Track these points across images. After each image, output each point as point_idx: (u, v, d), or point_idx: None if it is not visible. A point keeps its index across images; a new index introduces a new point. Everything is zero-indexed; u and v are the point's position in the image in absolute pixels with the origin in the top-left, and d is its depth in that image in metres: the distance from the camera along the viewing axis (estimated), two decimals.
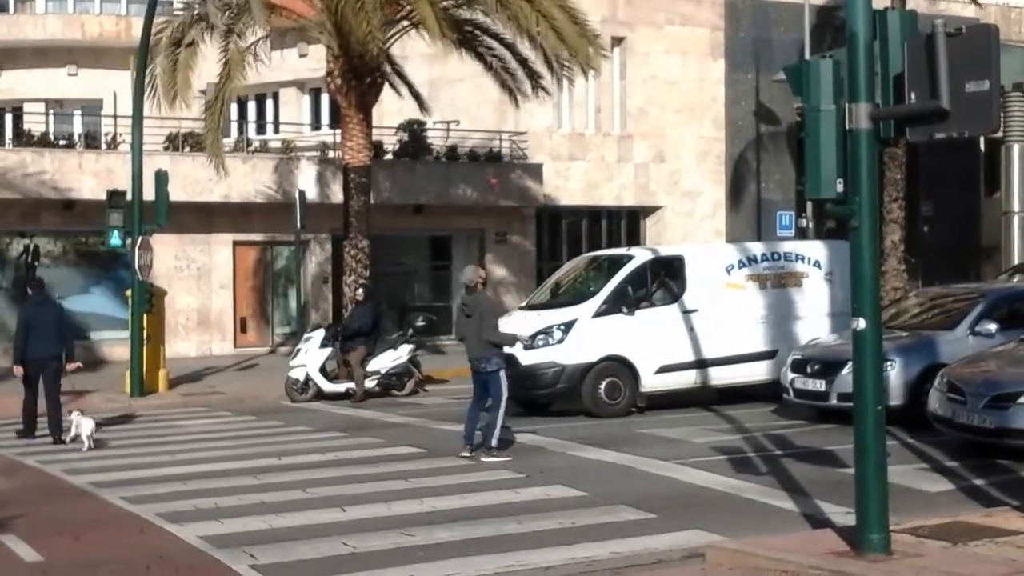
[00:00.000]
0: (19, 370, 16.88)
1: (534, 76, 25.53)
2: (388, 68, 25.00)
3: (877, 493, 8.78)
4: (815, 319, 19.23)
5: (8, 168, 27.27)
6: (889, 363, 14.79)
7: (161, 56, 23.63)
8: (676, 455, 14.06)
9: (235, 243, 30.17)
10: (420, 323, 23.62)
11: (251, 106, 37.23)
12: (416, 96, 27.58)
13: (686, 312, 18.53)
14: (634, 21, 33.98)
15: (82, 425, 16.04)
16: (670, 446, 14.91)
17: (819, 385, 16.20)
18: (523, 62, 25.40)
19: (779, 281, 19.40)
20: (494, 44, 25.46)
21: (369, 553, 9.80)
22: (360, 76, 23.88)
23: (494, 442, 14.32)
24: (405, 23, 23.78)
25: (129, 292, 22.45)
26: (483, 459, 14.13)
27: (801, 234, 30.83)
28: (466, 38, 25.20)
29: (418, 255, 32.51)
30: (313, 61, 31.53)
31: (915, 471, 12.65)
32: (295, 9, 24.87)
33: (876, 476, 8.81)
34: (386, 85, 25.17)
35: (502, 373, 14.48)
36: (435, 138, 31.54)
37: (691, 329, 18.48)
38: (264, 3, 23.16)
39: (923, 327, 17.02)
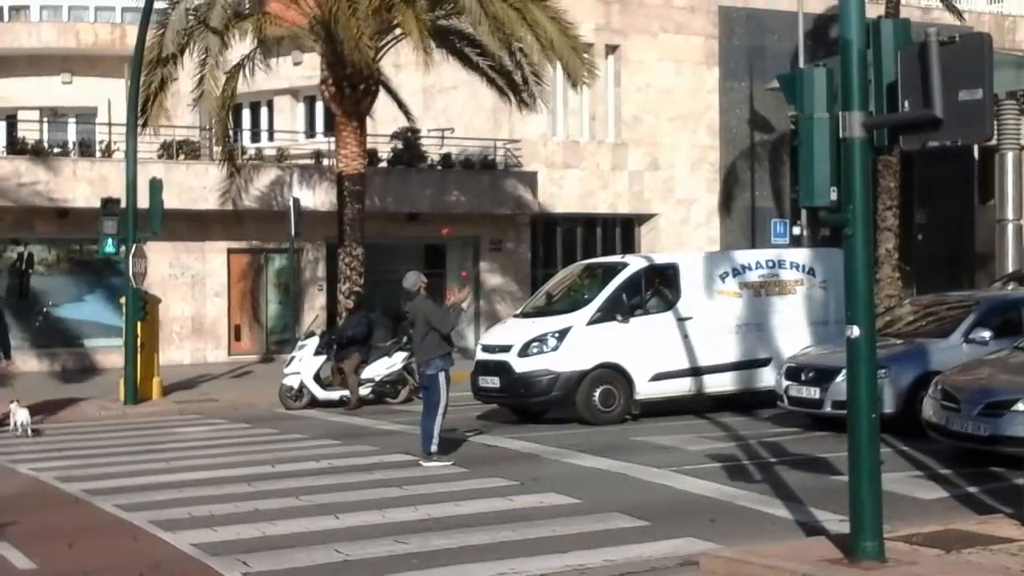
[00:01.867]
0: None
1: (518, 88, 25.66)
2: (378, 77, 25.07)
3: (871, 500, 8.78)
4: (809, 327, 19.26)
5: (2, 176, 27.24)
6: (883, 371, 14.79)
7: (142, 75, 23.68)
8: (670, 462, 14.06)
9: (229, 251, 30.15)
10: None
11: (245, 113, 37.23)
12: (403, 108, 27.70)
13: (680, 320, 18.54)
14: (628, 29, 34.03)
15: (18, 414, 17.27)
16: (664, 453, 14.91)
17: (813, 393, 16.21)
18: (506, 74, 25.50)
19: (773, 289, 19.43)
20: (486, 52, 25.53)
21: (363, 560, 9.79)
22: (354, 84, 23.90)
23: (434, 447, 14.33)
24: (398, 32, 23.82)
25: (123, 300, 22.42)
26: (423, 464, 14.16)
27: (795, 242, 30.85)
28: (455, 48, 25.30)
29: (412, 263, 32.37)
30: (307, 69, 31.54)
31: (909, 479, 12.66)
32: (288, 17, 24.89)
33: (870, 483, 8.81)
34: (380, 92, 25.20)
35: (442, 376, 14.48)
36: (429, 146, 31.56)
37: (685, 337, 18.49)
38: (253, 12, 23.29)
39: (917, 335, 17.04)
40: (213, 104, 23.71)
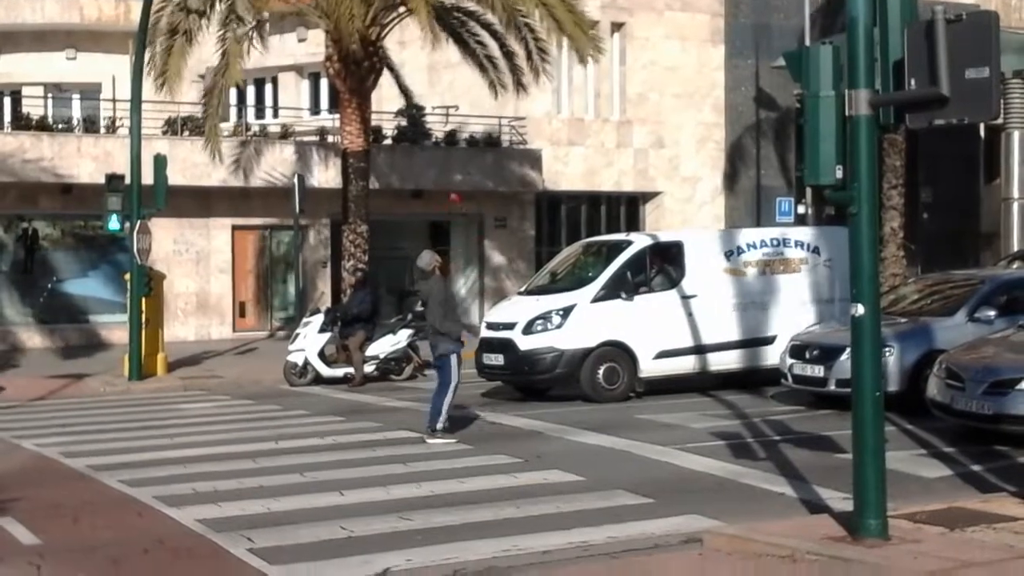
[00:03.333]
0: None
1: (516, 70, 25.64)
2: (383, 55, 25.01)
3: (875, 479, 8.79)
4: (814, 305, 19.26)
5: (7, 152, 27.24)
6: (888, 349, 14.79)
7: (157, 43, 23.58)
8: (674, 440, 14.07)
9: (234, 227, 30.17)
10: (419, 308, 23.57)
11: (250, 91, 37.14)
12: (403, 89, 27.65)
13: (685, 298, 18.53)
14: (634, 6, 33.92)
15: None
16: (668, 431, 14.93)
17: (818, 371, 16.21)
18: (508, 55, 25.44)
19: (778, 267, 19.40)
20: (482, 33, 25.50)
21: (367, 537, 9.81)
22: (358, 61, 23.85)
23: (439, 424, 14.41)
24: (402, 9, 23.75)
25: (128, 276, 22.44)
26: (427, 440, 14.21)
27: (800, 220, 30.79)
28: (454, 27, 25.25)
29: (417, 240, 32.41)
30: (312, 45, 31.46)
31: (913, 457, 12.66)
32: None
33: (874, 462, 8.82)
34: (386, 70, 25.14)
35: (454, 358, 14.55)
36: (434, 123, 31.50)
37: (690, 315, 18.49)
38: None
39: (922, 313, 17.02)
40: (232, 77, 23.49)
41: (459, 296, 32.56)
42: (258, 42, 25.03)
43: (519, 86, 25.95)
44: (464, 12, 25.30)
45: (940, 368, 13.86)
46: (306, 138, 30.81)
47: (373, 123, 25.94)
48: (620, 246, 19.13)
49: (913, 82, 8.48)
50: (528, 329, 18.02)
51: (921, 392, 14.39)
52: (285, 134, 30.46)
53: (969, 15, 8.43)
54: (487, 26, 25.42)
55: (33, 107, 31.57)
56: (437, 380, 14.83)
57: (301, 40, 33.26)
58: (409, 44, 28.69)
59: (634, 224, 33.90)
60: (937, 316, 16.60)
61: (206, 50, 24.67)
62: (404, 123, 30.92)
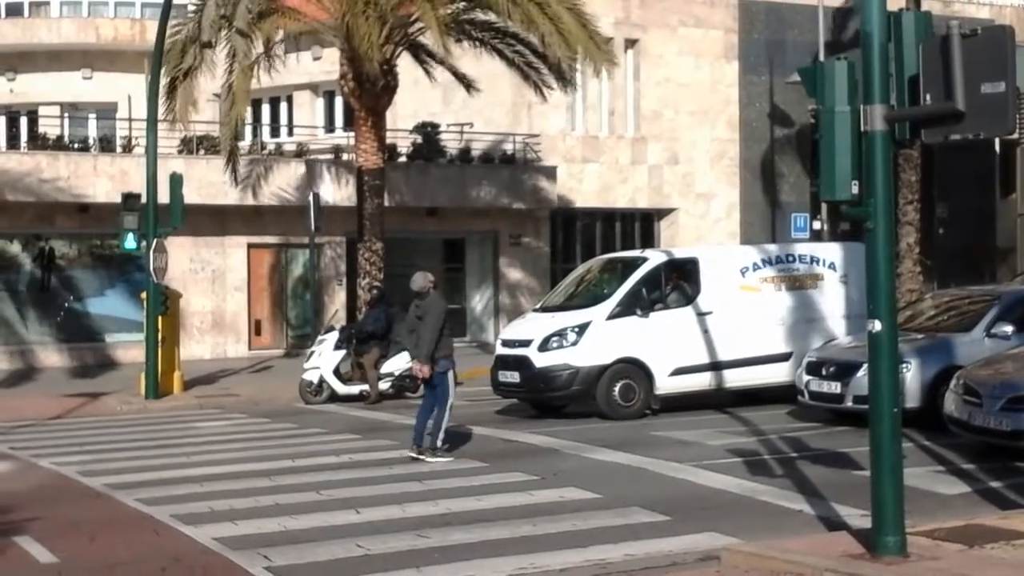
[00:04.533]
0: None
1: (541, 79, 25.71)
2: (418, 56, 25.06)
3: (893, 495, 8.75)
4: (830, 321, 19.21)
5: (24, 171, 27.35)
6: (905, 365, 14.75)
7: (164, 70, 23.72)
8: (691, 457, 14.04)
9: (249, 245, 30.23)
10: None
11: (265, 109, 37.32)
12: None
13: (700, 314, 18.51)
14: (648, 23, 33.97)
15: None
16: (684, 448, 14.89)
17: (834, 387, 16.16)
18: (543, 57, 25.43)
19: (794, 283, 19.37)
20: (513, 42, 25.55)
21: (383, 555, 9.81)
22: (373, 80, 23.92)
23: (438, 443, 14.39)
24: (420, 25, 23.83)
25: (144, 294, 22.49)
26: (427, 459, 14.19)
27: (816, 236, 30.77)
28: (478, 38, 25.31)
29: (432, 257, 32.47)
30: (327, 64, 31.59)
31: (931, 473, 12.61)
32: (308, 12, 24.93)
33: (892, 478, 8.78)
34: (400, 86, 25.17)
35: (450, 375, 14.57)
36: (449, 140, 31.56)
37: (705, 331, 18.45)
38: (269, 11, 23.29)
39: (939, 329, 16.97)
40: (239, 98, 23.67)
41: (474, 313, 32.65)
42: (272, 62, 25.15)
43: (541, 85, 25.92)
44: (480, 25, 25.30)
45: (957, 384, 13.81)
46: (321, 156, 30.91)
47: (388, 140, 25.99)
48: (635, 263, 19.12)
49: (928, 97, 8.47)
50: (544, 346, 18.01)
51: (938, 408, 14.35)
52: (300, 152, 30.55)
53: (984, 30, 8.43)
54: (514, 36, 25.38)
55: (50, 127, 31.74)
56: (428, 397, 14.77)
57: (316, 59, 33.44)
58: (426, 60, 28.72)
59: (649, 241, 33.89)
60: (954, 332, 16.54)
61: (221, 69, 24.77)
62: (419, 140, 30.98)
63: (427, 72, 27.10)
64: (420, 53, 26.31)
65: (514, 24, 23.36)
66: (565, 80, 25.55)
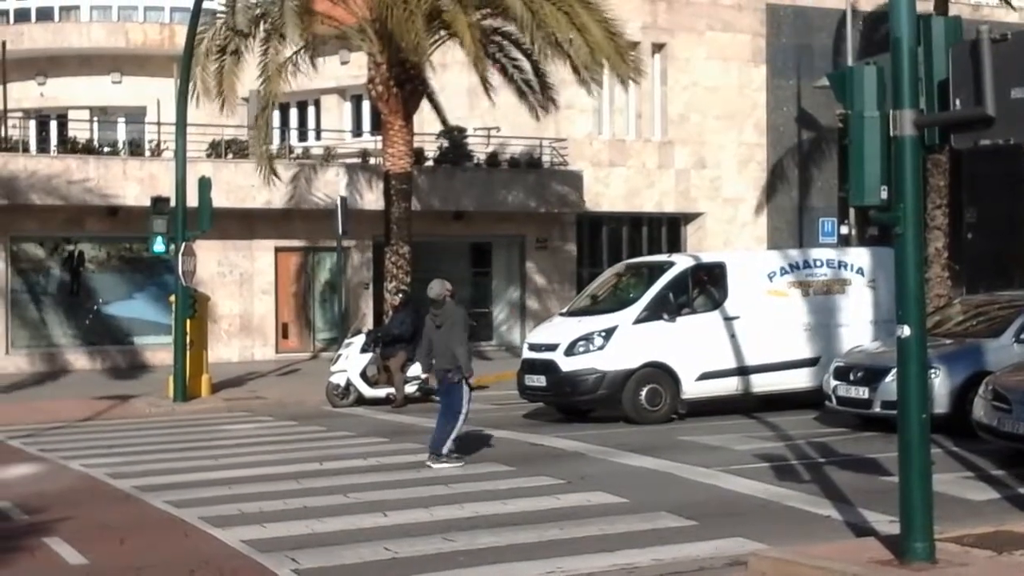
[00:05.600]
0: None
1: (547, 90, 25.81)
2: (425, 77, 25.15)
3: (921, 501, 8.72)
4: (858, 326, 19.13)
5: (53, 174, 27.55)
6: (933, 371, 14.69)
7: (205, 62, 23.91)
8: (718, 462, 14.01)
9: (277, 249, 30.35)
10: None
11: (293, 113, 37.44)
12: (440, 115, 27.79)
13: (727, 319, 18.47)
14: (675, 27, 33.95)
15: None
16: (712, 453, 14.87)
17: (862, 392, 16.10)
18: (542, 78, 25.60)
19: (822, 288, 19.31)
20: (519, 56, 25.61)
21: (411, 558, 9.83)
22: (401, 83, 24.00)
23: (445, 449, 14.33)
24: (443, 33, 23.88)
25: (172, 298, 22.61)
26: (432, 465, 14.16)
27: (843, 241, 30.68)
28: (494, 50, 25.38)
29: (458, 261, 32.53)
30: (354, 68, 31.66)
31: (960, 479, 12.56)
32: (336, 16, 25.00)
33: (920, 484, 8.75)
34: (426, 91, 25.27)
35: (465, 385, 14.50)
36: (476, 144, 31.61)
37: (732, 336, 18.42)
38: (305, 10, 23.36)
39: (968, 335, 16.89)
40: (269, 98, 23.80)
41: (501, 317, 32.66)
42: (303, 64, 25.25)
43: (550, 102, 26.05)
44: (503, 34, 25.37)
45: (987, 390, 13.74)
46: (348, 160, 30.99)
47: (415, 145, 26.05)
48: (662, 267, 19.10)
49: (958, 102, 8.45)
50: (570, 350, 18.02)
51: (967, 414, 14.27)
52: (328, 156, 30.65)
53: (1014, 34, 8.40)
54: (524, 48, 25.42)
55: (79, 130, 31.97)
56: (442, 406, 14.75)
57: (344, 63, 33.51)
58: (450, 67, 28.80)
59: (676, 245, 33.85)
60: (983, 337, 16.46)
61: (249, 75, 24.91)
62: (446, 145, 31.04)
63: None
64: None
65: (533, 33, 23.35)
66: (589, 83, 25.54)
